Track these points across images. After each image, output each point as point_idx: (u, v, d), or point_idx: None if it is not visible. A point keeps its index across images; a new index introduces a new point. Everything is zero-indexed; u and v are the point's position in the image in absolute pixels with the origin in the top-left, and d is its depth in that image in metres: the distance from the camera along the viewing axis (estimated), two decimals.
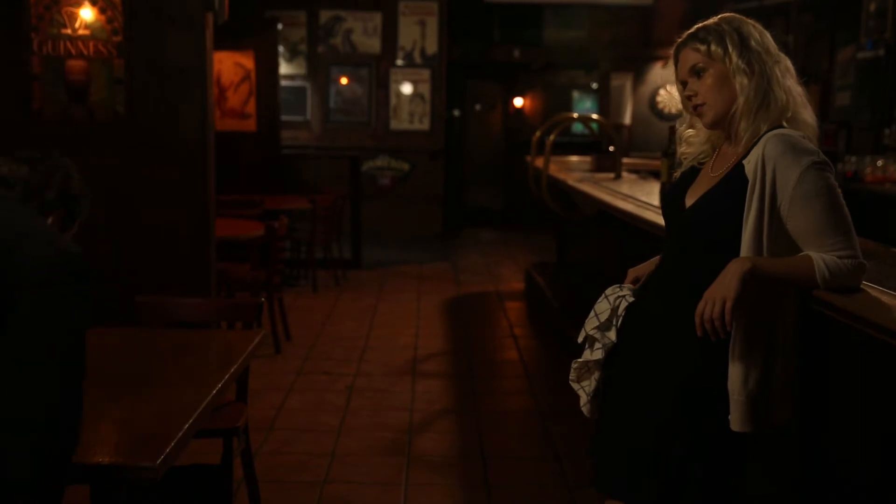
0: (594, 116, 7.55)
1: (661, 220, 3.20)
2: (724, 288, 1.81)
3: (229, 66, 8.29)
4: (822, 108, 7.97)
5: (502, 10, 11.46)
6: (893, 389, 1.90)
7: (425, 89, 9.69)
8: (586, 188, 4.69)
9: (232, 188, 6.88)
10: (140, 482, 1.83)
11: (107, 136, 4.49)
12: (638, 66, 11.18)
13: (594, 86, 12.06)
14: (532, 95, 12.49)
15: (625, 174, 5.56)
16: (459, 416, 4.39)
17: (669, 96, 10.96)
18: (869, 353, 1.95)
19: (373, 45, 9.64)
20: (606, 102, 11.52)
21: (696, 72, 1.98)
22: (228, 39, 7.58)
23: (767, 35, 2.00)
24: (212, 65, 4.61)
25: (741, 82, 1.93)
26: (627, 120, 11.42)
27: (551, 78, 12.22)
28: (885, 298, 1.80)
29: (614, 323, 2.12)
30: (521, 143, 10.58)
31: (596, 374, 2.15)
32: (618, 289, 2.17)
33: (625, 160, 6.07)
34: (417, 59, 9.67)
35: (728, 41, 1.94)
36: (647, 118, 11.18)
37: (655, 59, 10.97)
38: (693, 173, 2.10)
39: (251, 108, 8.37)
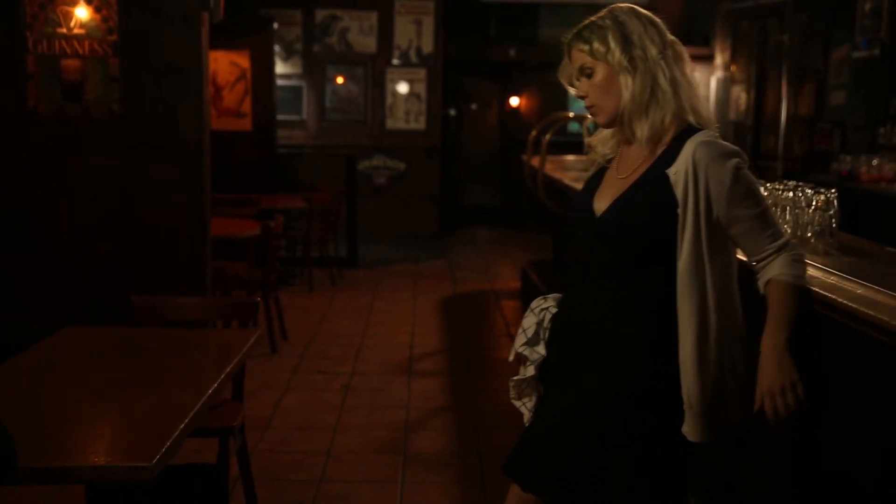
0: (590, 116, 7.54)
1: None
2: (783, 375, 1.79)
3: (225, 65, 8.28)
4: (818, 108, 7.99)
5: (498, 9, 11.47)
6: (890, 388, 1.91)
7: (421, 88, 9.70)
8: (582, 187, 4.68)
9: (228, 187, 6.87)
10: (135, 482, 1.82)
11: (102, 135, 4.48)
12: None
13: None
14: (528, 94, 12.48)
15: None
16: (455, 415, 4.40)
17: None
18: (865, 352, 1.96)
19: (369, 44, 9.64)
20: None
21: (585, 72, 1.94)
22: (224, 38, 7.57)
23: (657, 25, 1.93)
24: (207, 64, 4.61)
25: (625, 81, 1.89)
26: None
27: (547, 77, 12.19)
28: (880, 297, 1.81)
29: (542, 336, 2.08)
30: (517, 141, 10.57)
31: (539, 390, 2.12)
32: (542, 301, 2.13)
33: None
34: (413, 58, 9.67)
35: (610, 38, 1.89)
36: None
37: None
38: (599, 175, 2.05)
39: (247, 107, 8.36)
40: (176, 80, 4.48)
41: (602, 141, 2.05)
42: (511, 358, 2.12)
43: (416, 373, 5.05)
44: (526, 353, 2.08)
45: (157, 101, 4.49)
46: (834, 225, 2.68)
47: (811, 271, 2.14)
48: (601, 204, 1.96)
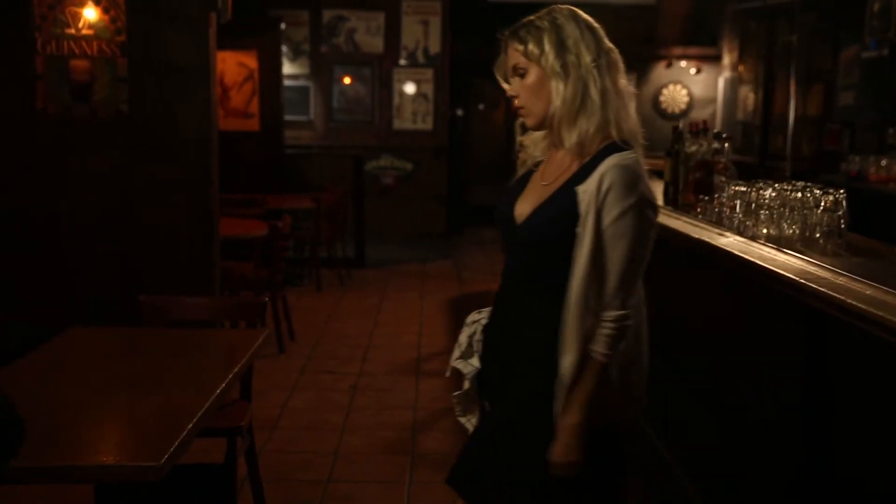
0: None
1: (664, 220, 3.21)
2: (568, 454, 1.81)
3: (233, 65, 8.29)
4: (826, 108, 7.96)
5: (505, 9, 11.42)
6: None
7: (428, 88, 9.69)
8: None
9: (235, 187, 6.88)
10: (144, 481, 1.83)
11: (110, 135, 4.49)
12: (641, 66, 11.15)
13: None
14: None
15: None
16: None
17: (672, 96, 10.95)
18: (874, 353, 1.95)
19: (376, 44, 9.65)
20: None
21: (518, 72, 1.90)
22: (231, 39, 7.59)
23: (595, 31, 1.88)
24: (215, 64, 4.61)
25: (556, 86, 1.84)
26: None
27: None
28: (889, 298, 1.80)
29: (475, 349, 2.05)
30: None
31: (478, 406, 2.09)
32: (476, 314, 2.09)
33: None
34: (420, 58, 9.67)
35: (546, 41, 1.84)
36: (650, 118, 11.15)
37: (658, 58, 10.95)
38: (525, 179, 2.01)
39: (254, 107, 8.37)
40: (184, 81, 4.49)
41: (534, 142, 2.02)
42: (448, 374, 2.10)
43: (423, 373, 5.05)
44: (460, 367, 2.05)
45: (165, 101, 4.50)
46: (843, 226, 2.67)
47: (819, 272, 2.13)
48: (523, 209, 1.92)
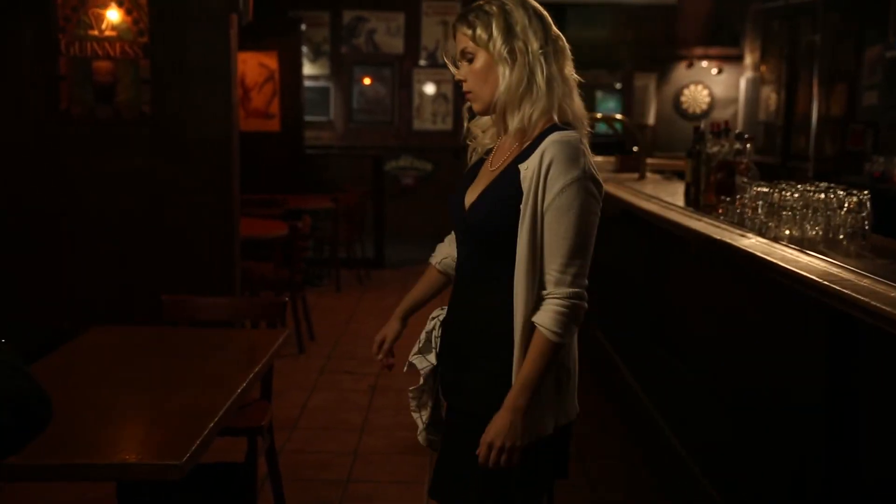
0: (618, 116, 7.52)
1: (685, 221, 3.20)
2: (510, 437, 1.77)
3: (253, 66, 8.33)
4: (850, 108, 7.89)
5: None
6: None
7: (448, 89, 9.69)
8: (610, 188, 4.67)
9: (255, 188, 6.91)
10: (166, 479, 1.84)
11: (132, 136, 4.53)
12: (662, 66, 11.11)
13: (617, 85, 12.01)
14: None
15: (649, 175, 5.53)
16: None
17: (693, 96, 10.88)
18: None
19: (396, 44, 9.66)
20: (630, 102, 11.46)
21: (466, 57, 1.88)
22: (252, 40, 7.62)
23: (543, 18, 1.87)
24: (236, 65, 4.64)
25: (503, 72, 1.83)
26: (651, 120, 11.35)
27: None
28: None
29: (433, 345, 2.05)
30: None
31: (433, 400, 2.08)
32: (439, 311, 2.09)
33: (649, 160, 6.04)
34: (440, 58, 9.67)
35: (494, 26, 1.83)
36: (672, 118, 11.11)
37: (680, 58, 10.90)
38: (476, 168, 2.00)
39: (275, 108, 8.41)
40: (205, 82, 4.51)
41: (482, 129, 2.01)
42: (405, 369, 2.10)
43: None
44: (416, 362, 2.06)
45: (186, 102, 4.52)
46: (867, 227, 2.64)
47: (843, 273, 2.11)
48: (471, 197, 1.93)
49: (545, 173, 1.77)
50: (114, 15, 4.45)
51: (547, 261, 1.80)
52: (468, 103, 1.96)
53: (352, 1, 9.53)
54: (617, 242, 5.76)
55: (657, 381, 3.99)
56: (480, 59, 1.85)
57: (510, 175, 1.84)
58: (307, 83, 9.24)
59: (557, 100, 1.85)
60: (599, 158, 7.15)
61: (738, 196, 3.18)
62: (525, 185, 1.79)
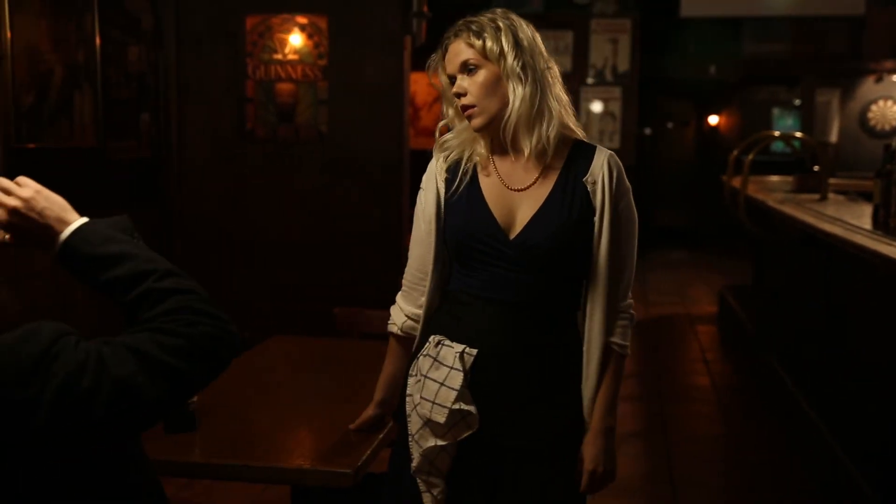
0: (797, 134, 7.18)
1: (873, 245, 3.00)
2: (609, 461, 1.80)
3: (424, 86, 8.53)
4: None
5: (697, 25, 11.14)
6: None
7: (616, 107, 9.57)
8: (788, 209, 4.46)
9: None
10: (337, 486, 1.90)
11: (310, 154, 4.75)
12: (846, 81, 10.51)
13: (797, 102, 11.47)
14: (728, 112, 12.04)
15: (831, 195, 5.24)
16: (647, 440, 4.28)
17: (882, 112, 10.24)
18: None
19: (563, 63, 9.64)
20: (810, 119, 10.90)
21: (468, 69, 1.76)
22: (424, 60, 7.80)
23: (539, 38, 1.80)
24: (408, 85, 4.77)
25: (514, 88, 1.73)
26: (834, 137, 10.75)
27: (749, 94, 11.72)
28: None
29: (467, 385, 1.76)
30: (716, 161, 10.22)
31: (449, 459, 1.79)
32: (439, 347, 1.79)
33: (831, 181, 5.73)
34: (608, 76, 9.57)
35: (504, 40, 1.73)
36: (857, 136, 10.48)
37: (867, 72, 10.28)
38: (466, 190, 1.81)
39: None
40: (378, 102, 4.67)
41: (461, 143, 1.85)
42: (443, 420, 1.73)
43: None
44: (461, 407, 1.74)
45: (361, 121, 4.70)
46: None
47: None
48: (511, 219, 1.78)
49: (615, 186, 1.78)
50: (296, 39, 4.68)
51: (613, 280, 1.80)
52: (443, 121, 1.88)
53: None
54: (794, 266, 5.49)
55: (837, 410, 3.76)
56: (485, 72, 1.75)
57: (571, 191, 1.77)
58: None
59: (567, 118, 1.82)
60: (775, 178, 6.85)
61: None
62: (597, 200, 1.77)
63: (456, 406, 1.73)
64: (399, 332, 1.93)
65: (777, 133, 8.08)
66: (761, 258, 6.90)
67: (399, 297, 1.96)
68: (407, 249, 1.97)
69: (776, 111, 11.80)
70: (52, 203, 1.29)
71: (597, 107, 9.62)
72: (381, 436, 2.03)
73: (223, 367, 1.28)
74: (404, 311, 1.93)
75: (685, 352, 6.26)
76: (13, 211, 1.28)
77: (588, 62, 9.58)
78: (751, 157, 5.47)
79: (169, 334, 1.21)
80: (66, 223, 1.28)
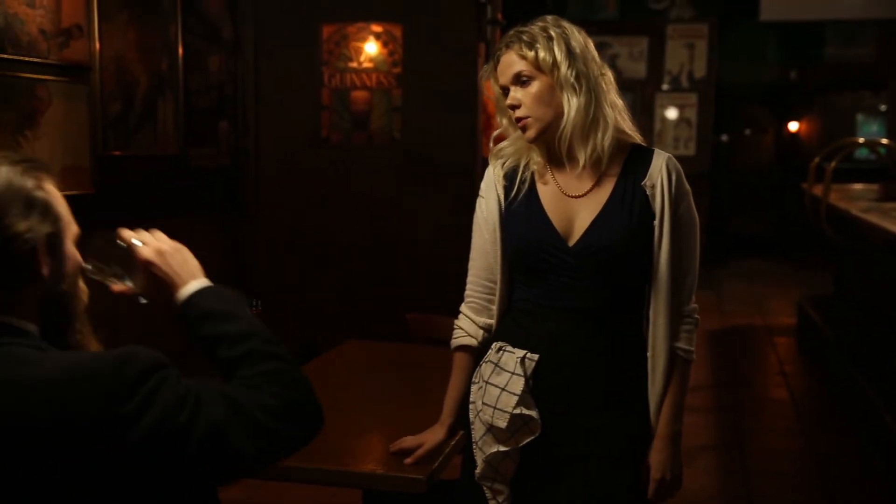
0: (883, 141, 6.96)
1: None
2: (676, 466, 1.80)
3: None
4: None
5: (778, 29, 10.89)
6: None
7: (692, 113, 9.42)
8: (874, 218, 4.32)
9: None
10: (409, 492, 1.91)
11: (383, 160, 4.78)
12: None
13: (882, 107, 11.11)
14: (809, 119, 11.73)
15: None
16: (723, 454, 4.19)
17: None
18: None
19: (638, 69, 9.53)
20: None
21: (521, 80, 1.74)
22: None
23: (591, 44, 1.78)
24: (482, 92, 4.77)
25: (569, 98, 1.72)
26: None
27: (831, 100, 11.39)
28: None
29: (529, 391, 1.76)
30: (796, 169, 9.96)
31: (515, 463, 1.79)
32: (499, 353, 1.80)
33: None
34: (684, 82, 9.42)
35: (557, 50, 1.71)
36: None
37: None
38: (523, 199, 1.81)
39: None
40: (451, 109, 4.68)
41: (517, 151, 1.85)
42: (504, 425, 1.74)
43: None
44: (524, 412, 1.74)
45: (434, 128, 4.72)
46: None
47: None
48: (570, 226, 1.77)
49: (674, 189, 1.76)
50: (371, 48, 4.73)
51: (675, 284, 1.78)
52: (496, 131, 1.88)
53: (595, 27, 9.54)
54: (879, 276, 5.31)
55: None
56: (539, 83, 1.73)
57: (630, 196, 1.76)
58: None
59: (623, 124, 1.80)
60: (859, 186, 6.64)
61: None
62: (656, 204, 1.76)
63: (517, 411, 1.73)
64: (475, 344, 1.90)
65: (861, 139, 7.82)
66: (843, 268, 6.69)
67: (467, 310, 1.94)
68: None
69: (860, 117, 11.45)
70: (188, 260, 1.38)
71: (672, 113, 9.48)
72: (453, 442, 2.03)
73: (308, 440, 1.31)
74: (477, 322, 1.91)
75: (763, 364, 6.12)
76: (149, 262, 1.36)
77: (663, 68, 9.45)
78: (833, 164, 5.33)
79: (265, 394, 1.25)
80: (194, 278, 1.37)
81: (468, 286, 1.94)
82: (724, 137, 12.01)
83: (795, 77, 10.81)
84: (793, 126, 11.89)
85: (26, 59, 3.39)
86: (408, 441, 1.95)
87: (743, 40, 10.68)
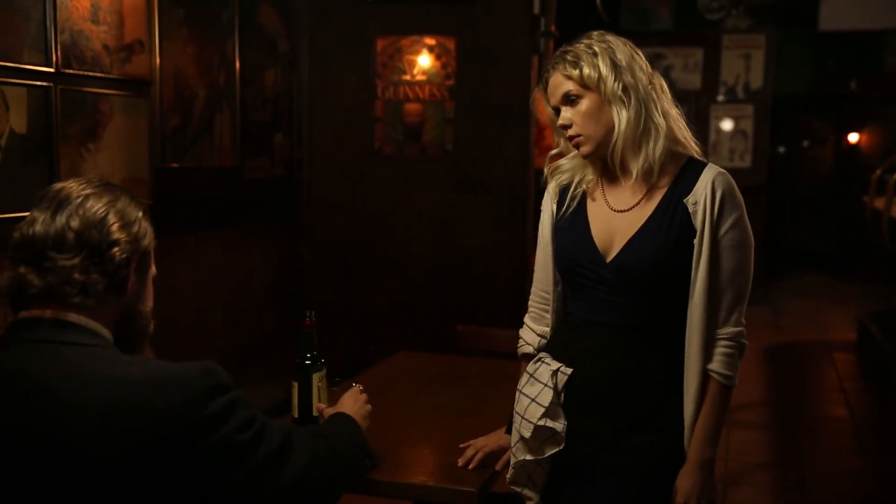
0: (571, 147, 6.78)
1: None
2: (705, 492, 1.74)
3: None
4: None
5: (837, 39, 10.68)
6: None
7: (747, 125, 9.28)
8: None
9: None
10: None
11: (435, 171, 4.80)
12: None
13: None
14: (869, 130, 11.47)
15: None
16: (780, 472, 4.11)
17: None
18: None
19: (693, 80, 9.42)
20: None
21: (570, 99, 1.75)
22: None
23: (640, 54, 1.77)
24: (534, 105, 4.77)
25: (618, 112, 1.72)
26: None
27: (892, 110, 11.13)
28: None
29: (559, 404, 1.79)
30: (856, 181, 9.75)
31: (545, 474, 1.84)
32: (539, 364, 1.84)
33: None
34: (740, 93, 9.30)
35: (602, 65, 1.72)
36: None
37: None
38: (572, 213, 1.84)
39: None
40: (503, 121, 4.69)
41: (573, 168, 1.87)
42: (528, 435, 1.78)
43: (734, 423, 4.79)
44: (551, 425, 1.77)
45: (486, 140, 4.73)
46: None
47: None
48: (609, 242, 1.78)
49: (719, 207, 1.72)
50: (425, 60, 4.76)
51: (716, 304, 1.74)
52: (554, 150, 1.90)
53: (650, 38, 9.47)
54: None
55: None
56: (588, 101, 1.75)
57: (672, 211, 1.74)
58: None
59: (678, 133, 1.78)
60: None
61: None
62: (697, 221, 1.72)
63: (541, 422, 1.77)
64: (533, 352, 1.95)
65: None
66: None
67: (528, 319, 2.02)
68: (532, 269, 2.01)
69: None
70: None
71: (727, 125, 9.35)
72: (504, 456, 2.02)
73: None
74: (535, 331, 1.97)
75: (821, 380, 5.98)
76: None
77: (719, 79, 9.34)
78: (895, 176, 5.20)
79: (322, 450, 1.54)
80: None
81: (531, 296, 2.01)
82: (782, 149, 11.81)
83: (855, 87, 10.58)
84: (853, 137, 11.65)
85: (90, 73, 3.49)
86: (479, 441, 2.02)
87: (801, 50, 10.51)
